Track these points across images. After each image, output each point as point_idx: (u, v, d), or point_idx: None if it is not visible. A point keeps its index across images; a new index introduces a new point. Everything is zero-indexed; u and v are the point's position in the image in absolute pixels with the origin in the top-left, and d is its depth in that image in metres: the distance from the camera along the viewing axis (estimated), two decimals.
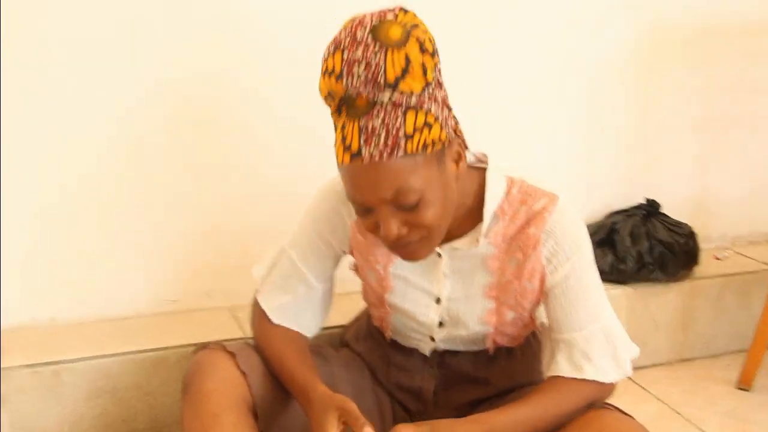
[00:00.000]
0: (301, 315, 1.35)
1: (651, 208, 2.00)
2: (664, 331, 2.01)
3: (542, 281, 1.23)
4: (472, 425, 1.14)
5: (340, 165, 1.07)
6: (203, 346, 1.29)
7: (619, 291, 1.94)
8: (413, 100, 1.03)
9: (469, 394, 1.35)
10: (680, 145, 2.18)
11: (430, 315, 1.28)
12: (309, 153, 1.69)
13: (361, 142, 1.03)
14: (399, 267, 1.28)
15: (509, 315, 1.27)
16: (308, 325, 1.37)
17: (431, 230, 1.10)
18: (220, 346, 1.27)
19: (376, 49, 1.00)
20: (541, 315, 1.32)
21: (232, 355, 1.25)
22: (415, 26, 1.04)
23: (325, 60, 1.04)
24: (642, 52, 2.06)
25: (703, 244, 2.22)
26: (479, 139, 1.87)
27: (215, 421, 1.17)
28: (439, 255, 1.23)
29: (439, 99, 1.07)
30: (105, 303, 1.69)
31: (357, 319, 1.53)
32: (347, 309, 1.56)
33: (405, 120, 1.03)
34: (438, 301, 1.27)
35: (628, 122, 2.10)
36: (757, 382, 1.89)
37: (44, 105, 1.56)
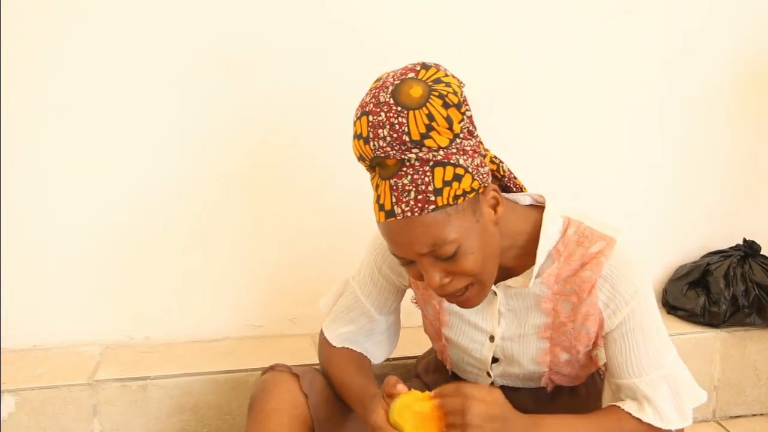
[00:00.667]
0: (363, 343, 1.39)
1: (750, 250, 1.90)
2: (767, 380, 1.90)
3: (600, 326, 1.21)
4: (523, 414, 1.13)
5: (378, 223, 1.09)
6: (271, 368, 1.35)
7: (713, 335, 1.85)
8: (440, 154, 1.04)
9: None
10: None
11: (484, 352, 1.28)
12: None
13: (393, 201, 1.05)
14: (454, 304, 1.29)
15: (563, 356, 1.25)
16: (373, 352, 1.40)
17: (476, 276, 1.10)
18: (287, 368, 1.33)
19: (398, 110, 1.02)
20: (603, 356, 1.30)
21: (296, 376, 1.30)
22: (437, 81, 1.05)
23: (354, 124, 1.08)
24: (744, 90, 1.98)
25: None
26: (576, 176, 1.89)
27: None
28: (495, 293, 1.24)
29: (469, 148, 1.07)
30: (195, 326, 1.79)
31: (429, 352, 1.55)
32: (421, 339, 1.57)
33: (434, 175, 1.04)
34: (492, 338, 1.27)
35: (729, 161, 2.02)
36: None
37: (140, 125, 1.70)
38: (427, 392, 1.10)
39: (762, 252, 1.92)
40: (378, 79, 1.08)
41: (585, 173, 1.92)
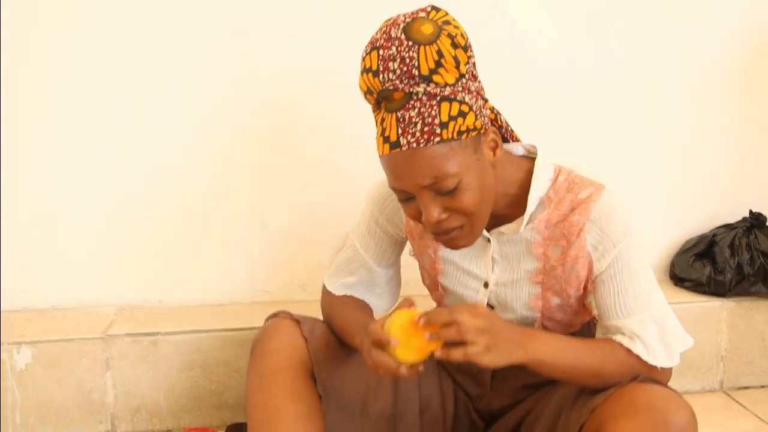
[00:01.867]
0: (365, 294, 1.43)
1: (756, 221, 1.91)
2: None
3: (589, 269, 1.23)
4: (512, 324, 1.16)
5: (381, 156, 1.12)
6: (274, 315, 1.39)
7: (718, 303, 1.86)
8: (447, 90, 1.08)
9: (525, 379, 1.36)
10: None
11: (479, 298, 1.31)
12: None
13: (399, 132, 1.08)
14: (449, 251, 1.31)
15: (555, 301, 1.28)
16: (374, 303, 1.44)
17: (471, 217, 1.13)
18: (288, 314, 1.37)
19: (410, 45, 1.07)
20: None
21: (297, 322, 1.34)
22: (447, 23, 1.10)
23: (363, 59, 1.12)
24: (746, 65, 2.00)
25: None
26: (585, 153, 1.91)
27: (273, 379, 1.26)
28: (488, 240, 1.27)
29: (473, 89, 1.12)
30: (207, 290, 1.85)
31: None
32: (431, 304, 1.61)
33: (440, 109, 1.08)
34: (486, 285, 1.30)
35: (732, 137, 2.03)
36: None
37: (154, 105, 1.77)
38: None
39: None
40: (389, 19, 1.13)
41: (594, 152, 1.94)
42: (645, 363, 1.19)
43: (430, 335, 1.08)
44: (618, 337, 1.22)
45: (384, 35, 1.09)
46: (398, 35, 1.08)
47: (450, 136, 1.08)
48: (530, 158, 1.25)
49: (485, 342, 1.08)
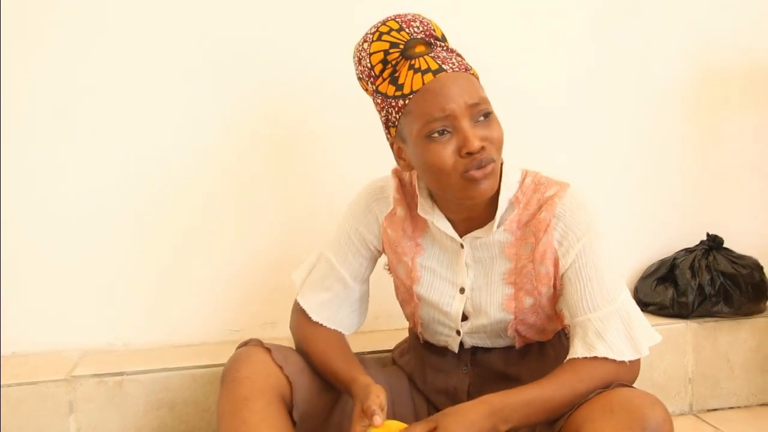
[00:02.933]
0: (339, 312, 1.43)
1: (713, 243, 1.96)
2: (740, 372, 1.92)
3: (556, 265, 1.27)
4: (479, 408, 1.17)
5: (420, 89, 1.18)
6: (244, 343, 1.38)
7: (683, 325, 1.88)
8: (458, 53, 1.26)
9: None
10: (748, 189, 2.13)
11: (455, 305, 1.33)
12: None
13: (439, 62, 1.20)
14: (425, 258, 1.35)
15: (527, 301, 1.30)
16: (347, 323, 1.44)
17: (497, 154, 1.21)
18: (259, 342, 1.36)
19: (421, 17, 1.26)
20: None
21: (268, 350, 1.33)
22: None
23: (376, 30, 1.25)
24: (698, 94, 2.07)
25: None
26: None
27: (244, 404, 1.25)
28: (461, 246, 1.30)
29: None
30: (174, 331, 1.82)
31: (403, 341, 1.59)
32: (400, 336, 1.63)
33: (461, 58, 1.25)
34: (462, 291, 1.32)
35: (690, 163, 2.09)
36: None
37: (113, 141, 1.77)
38: (399, 427, 1.16)
39: (725, 245, 1.97)
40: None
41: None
42: (612, 361, 1.21)
43: None
44: (579, 352, 1.23)
45: (392, 15, 1.26)
46: (408, 13, 1.26)
47: (476, 75, 1.25)
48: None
49: None
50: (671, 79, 2.06)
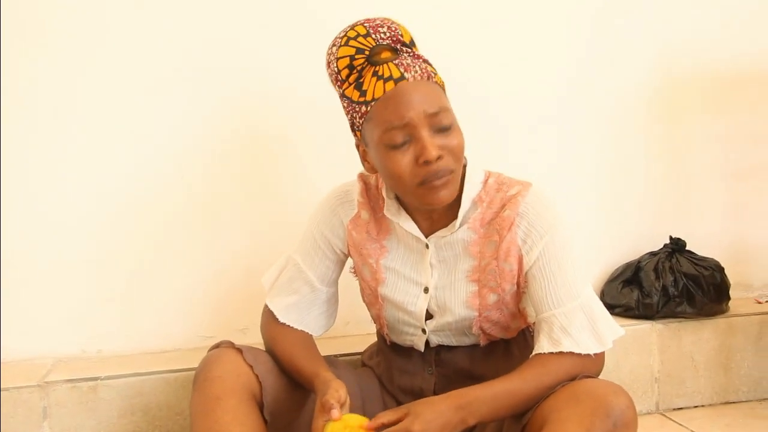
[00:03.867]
0: (306, 314, 1.45)
1: (676, 246, 2.01)
2: (704, 372, 1.97)
3: (520, 262, 1.30)
4: (448, 401, 1.20)
5: (381, 96, 1.21)
6: (216, 346, 1.40)
7: (648, 326, 1.93)
8: (425, 59, 1.27)
9: None
10: (709, 193, 2.20)
11: (419, 304, 1.36)
12: None
13: (402, 70, 1.22)
14: (390, 260, 1.38)
15: (491, 298, 1.33)
16: (314, 325, 1.46)
17: (456, 163, 1.22)
18: (230, 343, 1.38)
19: (390, 22, 1.27)
20: (532, 312, 1.38)
21: (239, 351, 1.35)
22: None
23: (344, 35, 1.25)
24: (661, 102, 2.14)
25: (744, 293, 2.22)
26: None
27: (217, 403, 1.26)
28: (427, 246, 1.33)
29: None
30: (147, 338, 1.83)
31: (372, 344, 1.62)
32: (370, 340, 1.65)
33: (427, 65, 1.26)
34: (426, 290, 1.35)
35: (653, 169, 2.16)
36: None
37: (96, 151, 1.79)
38: (359, 420, 1.18)
39: (687, 248, 2.03)
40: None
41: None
42: (578, 355, 1.25)
43: None
44: (544, 347, 1.27)
45: (363, 19, 1.27)
46: (378, 17, 1.27)
47: (441, 83, 1.27)
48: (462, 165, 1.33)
49: None
50: (635, 87, 2.13)
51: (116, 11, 1.78)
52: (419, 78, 1.22)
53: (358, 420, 1.19)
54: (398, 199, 1.34)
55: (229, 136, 1.85)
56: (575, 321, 1.26)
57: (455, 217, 1.30)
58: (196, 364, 1.64)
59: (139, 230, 1.82)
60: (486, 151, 1.95)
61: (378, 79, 1.22)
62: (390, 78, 1.21)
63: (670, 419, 1.89)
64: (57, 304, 1.78)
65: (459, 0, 1.98)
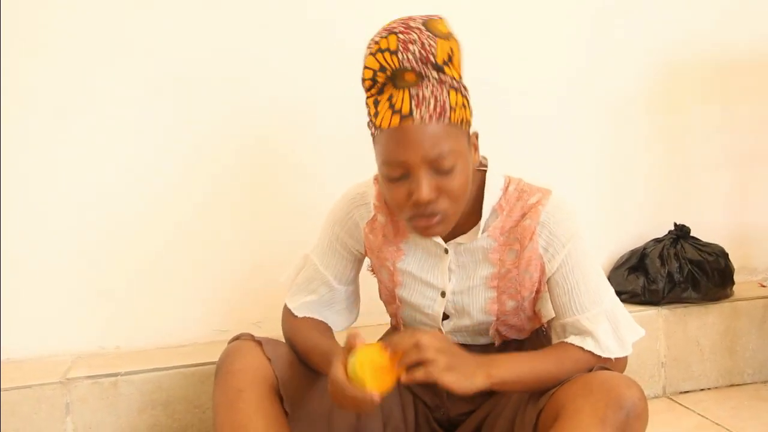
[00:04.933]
0: (325, 312, 1.48)
1: (680, 232, 2.05)
2: (710, 355, 2.01)
3: (542, 271, 1.32)
4: (468, 354, 1.21)
5: (386, 128, 1.18)
6: (236, 338, 1.43)
7: (654, 312, 1.97)
8: (454, 83, 1.20)
9: None
10: (712, 179, 2.23)
11: (436, 308, 1.38)
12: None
13: (413, 105, 1.16)
14: (406, 263, 1.39)
15: (509, 304, 1.35)
16: (333, 321, 1.49)
17: (454, 203, 1.21)
18: (250, 336, 1.41)
19: (429, 35, 1.17)
20: (549, 312, 1.41)
21: (259, 343, 1.38)
22: (453, 32, 1.23)
23: (377, 42, 1.19)
24: (663, 92, 2.17)
25: (749, 276, 2.25)
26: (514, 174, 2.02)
27: (239, 396, 1.29)
28: (446, 251, 1.35)
29: (465, 93, 1.23)
30: (164, 333, 1.86)
31: (386, 333, 1.64)
32: (382, 333, 1.67)
33: (449, 95, 1.18)
34: (443, 294, 1.37)
35: (657, 158, 2.19)
36: None
37: (106, 152, 1.82)
38: (377, 348, 1.19)
39: (692, 234, 2.06)
40: (400, 17, 1.22)
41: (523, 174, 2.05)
42: (598, 357, 1.28)
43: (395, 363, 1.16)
44: (571, 339, 1.30)
45: (402, 25, 1.19)
46: (418, 26, 1.18)
47: (456, 120, 1.19)
48: (481, 171, 1.35)
49: (445, 361, 1.15)
50: (635, 78, 2.15)
51: (117, 13, 1.79)
52: (428, 119, 1.16)
53: (376, 348, 1.18)
54: None
55: (245, 136, 1.88)
56: (600, 326, 1.28)
57: (475, 223, 1.32)
58: (213, 358, 1.69)
59: (154, 228, 1.85)
60: (492, 145, 2.01)
61: (389, 108, 1.18)
62: (399, 111, 1.17)
63: (677, 403, 1.93)
64: (75, 302, 1.81)
65: (458, 1, 2.00)
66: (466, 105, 1.22)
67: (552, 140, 2.10)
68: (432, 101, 1.17)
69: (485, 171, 1.34)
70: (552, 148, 2.10)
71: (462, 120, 1.21)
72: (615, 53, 2.13)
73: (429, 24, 1.19)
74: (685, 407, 1.89)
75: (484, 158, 1.37)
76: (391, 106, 1.18)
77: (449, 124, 1.18)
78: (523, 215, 1.31)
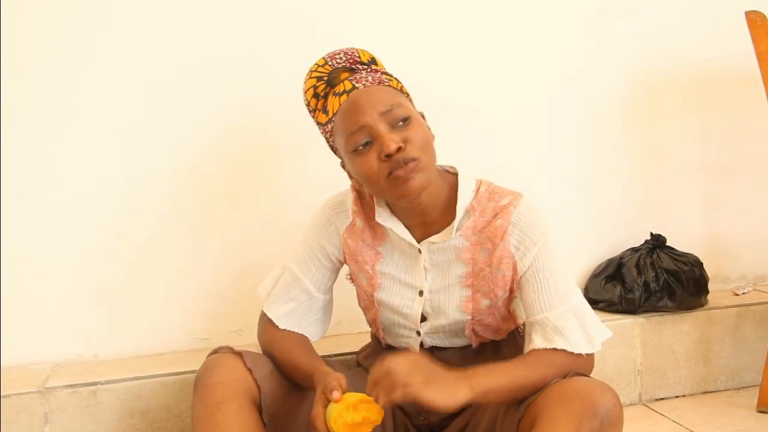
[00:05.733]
0: (304, 321, 1.50)
1: (656, 242, 2.08)
2: (685, 363, 2.04)
3: (514, 269, 1.36)
4: (448, 371, 1.23)
5: (338, 108, 1.30)
6: (215, 351, 1.44)
7: (631, 321, 1.99)
8: (386, 73, 1.37)
9: None
10: (688, 190, 2.27)
11: (414, 307, 1.41)
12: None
13: (354, 83, 1.31)
14: (385, 265, 1.43)
15: (484, 302, 1.38)
16: (312, 330, 1.51)
17: (422, 152, 1.27)
18: (230, 348, 1.42)
19: (348, 49, 1.37)
20: (523, 313, 1.42)
21: (239, 355, 1.39)
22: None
23: (309, 71, 1.38)
24: (640, 103, 2.20)
25: (722, 285, 2.29)
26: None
27: (218, 408, 1.30)
28: (419, 251, 1.38)
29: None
30: (143, 341, 1.86)
31: (368, 345, 1.66)
32: (363, 340, 1.71)
33: (383, 74, 1.35)
34: (421, 293, 1.40)
35: (634, 168, 2.22)
36: None
37: (82, 160, 1.81)
38: (359, 396, 1.22)
39: (667, 243, 2.09)
40: None
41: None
42: (570, 353, 1.30)
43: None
44: (539, 343, 1.32)
45: (326, 54, 1.38)
46: (339, 49, 1.38)
47: (397, 87, 1.35)
48: (452, 174, 1.40)
49: (421, 378, 1.17)
50: (615, 90, 2.18)
51: (115, 14, 1.80)
52: (369, 84, 1.31)
53: (356, 396, 1.22)
54: (388, 205, 1.39)
55: (224, 142, 1.88)
56: (567, 323, 1.32)
57: (448, 223, 1.35)
58: (193, 367, 1.70)
59: (132, 234, 1.84)
60: (470, 152, 2.03)
61: (335, 96, 1.32)
62: (344, 92, 1.31)
63: (653, 410, 1.96)
64: (52, 309, 1.80)
65: (440, 14, 2.03)
66: (402, 86, 1.37)
67: (533, 149, 2.13)
68: (369, 77, 1.33)
69: (456, 174, 1.39)
70: (533, 156, 2.13)
71: (402, 89, 1.36)
72: (598, 63, 2.17)
73: (347, 48, 1.38)
74: (661, 414, 1.92)
75: (452, 167, 1.42)
76: (336, 94, 1.32)
77: (391, 88, 1.33)
78: (495, 215, 1.36)
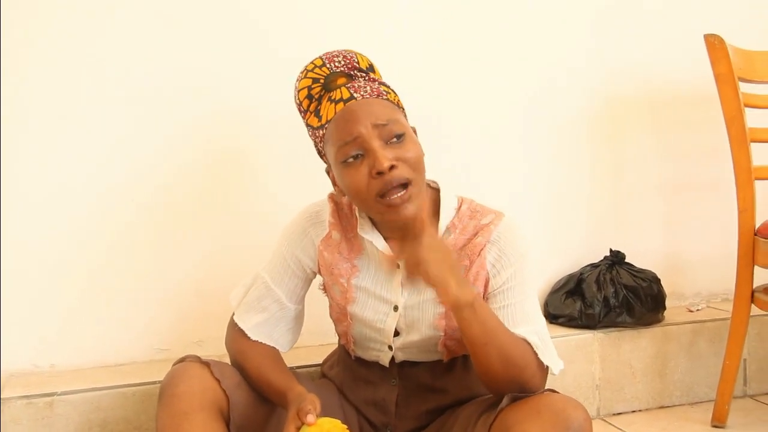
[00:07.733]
0: (275, 331, 1.48)
1: (616, 258, 2.12)
2: (642, 378, 2.07)
3: (486, 285, 1.36)
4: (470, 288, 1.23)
5: (333, 116, 1.28)
6: (181, 360, 1.41)
7: (590, 335, 2.02)
8: (383, 82, 1.35)
9: (428, 403, 1.45)
10: (646, 208, 2.31)
11: (389, 322, 1.40)
12: (298, 206, 1.76)
13: (352, 92, 1.29)
14: (361, 279, 1.41)
15: None
16: (283, 341, 1.49)
17: (415, 173, 1.26)
18: (196, 357, 1.40)
19: (347, 51, 1.34)
20: None
21: (206, 364, 1.37)
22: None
23: (304, 68, 1.34)
24: (601, 122, 2.25)
25: (677, 301, 2.34)
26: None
27: (185, 419, 1.27)
28: (398, 266, 1.37)
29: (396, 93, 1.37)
30: (102, 352, 1.82)
31: (332, 354, 1.65)
32: (326, 351, 1.69)
33: (381, 85, 1.33)
34: (396, 308, 1.39)
35: (594, 186, 2.26)
36: (733, 420, 1.93)
37: (50, 164, 1.77)
38: (334, 422, 1.22)
39: (626, 260, 2.13)
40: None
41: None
42: (537, 358, 1.30)
43: None
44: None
45: (324, 53, 1.34)
46: (338, 49, 1.35)
47: (395, 100, 1.34)
48: (434, 189, 1.40)
49: (447, 266, 1.18)
50: (578, 110, 2.22)
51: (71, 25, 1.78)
52: (368, 96, 1.29)
53: (330, 422, 1.22)
54: (370, 218, 1.38)
55: (190, 154, 1.87)
56: (530, 338, 1.31)
57: None
58: (153, 378, 1.68)
59: (92, 243, 1.81)
60: (436, 168, 2.05)
61: (331, 103, 1.29)
62: (341, 100, 1.28)
63: (611, 424, 1.99)
64: (6, 317, 1.75)
65: (409, 22, 2.05)
66: (399, 100, 1.35)
67: (498, 165, 2.15)
68: (368, 87, 1.30)
69: (438, 190, 1.39)
70: (498, 172, 2.15)
71: (399, 103, 1.34)
72: (565, 83, 2.20)
73: (347, 50, 1.34)
74: (618, 428, 1.95)
75: (433, 181, 1.42)
76: (331, 100, 1.30)
77: (388, 101, 1.31)
78: (476, 233, 1.36)
